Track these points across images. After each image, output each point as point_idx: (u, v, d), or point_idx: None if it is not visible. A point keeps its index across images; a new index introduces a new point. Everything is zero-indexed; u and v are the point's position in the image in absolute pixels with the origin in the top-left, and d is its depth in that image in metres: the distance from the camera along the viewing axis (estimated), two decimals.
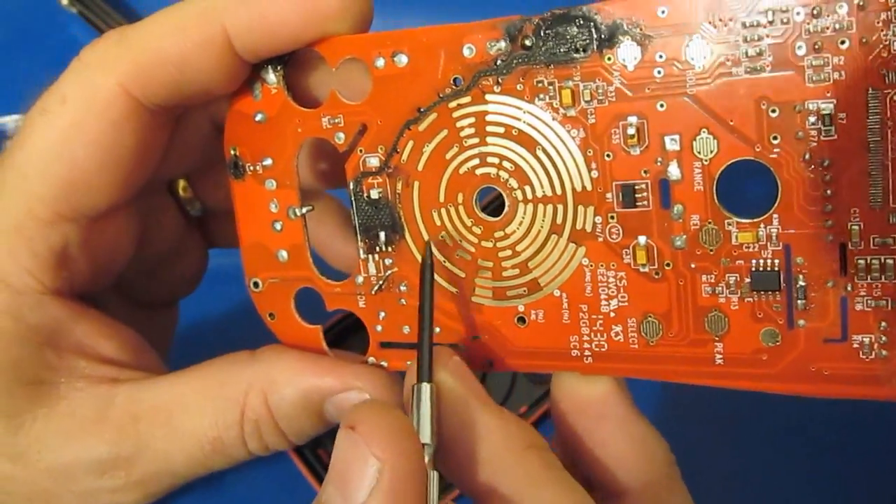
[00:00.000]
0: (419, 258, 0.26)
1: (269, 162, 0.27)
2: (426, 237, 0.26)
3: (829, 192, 0.21)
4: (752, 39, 0.21)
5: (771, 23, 0.21)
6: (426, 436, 0.23)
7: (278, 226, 0.28)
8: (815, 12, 0.21)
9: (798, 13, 0.21)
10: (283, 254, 0.28)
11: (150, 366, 0.29)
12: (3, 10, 0.48)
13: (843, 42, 0.20)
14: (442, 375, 0.24)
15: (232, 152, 0.28)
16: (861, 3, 0.20)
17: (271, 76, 0.27)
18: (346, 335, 0.37)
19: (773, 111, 0.21)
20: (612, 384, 0.25)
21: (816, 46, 0.21)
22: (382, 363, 0.28)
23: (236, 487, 0.37)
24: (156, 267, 0.32)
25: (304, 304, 0.29)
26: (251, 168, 0.28)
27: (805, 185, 0.21)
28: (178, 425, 0.27)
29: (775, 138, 0.21)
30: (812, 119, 0.21)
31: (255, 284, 0.29)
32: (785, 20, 0.21)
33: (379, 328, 0.27)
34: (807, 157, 0.21)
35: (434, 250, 0.26)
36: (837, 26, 0.20)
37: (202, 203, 0.33)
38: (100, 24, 0.46)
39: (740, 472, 0.37)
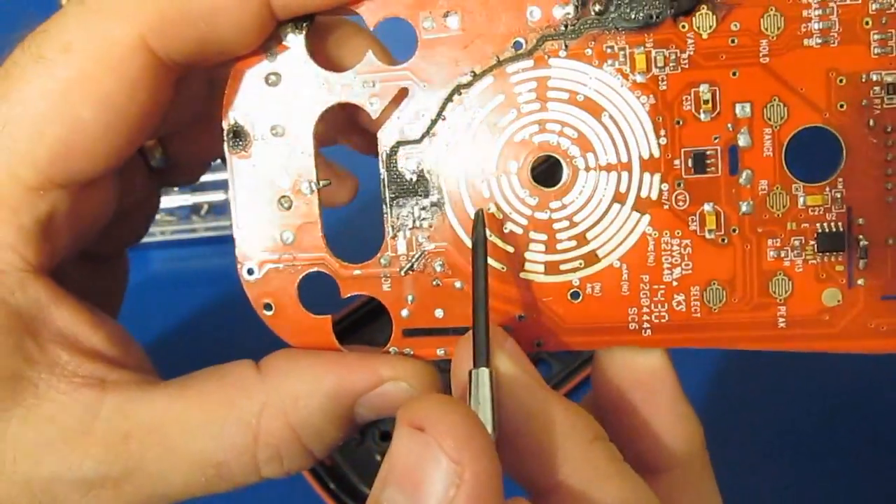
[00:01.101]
0: (461, 233, 0.25)
1: (280, 130, 0.25)
2: (474, 208, 0.25)
3: (890, 156, 0.23)
4: (823, 14, 0.23)
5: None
6: (487, 426, 0.21)
7: (286, 203, 0.25)
8: None
9: None
10: (289, 235, 0.25)
11: (138, 363, 0.25)
12: (3, 10, 0.42)
13: None
14: (500, 360, 0.23)
15: (232, 119, 0.25)
16: None
17: (292, 35, 0.24)
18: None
19: (841, 80, 0.23)
20: (665, 359, 0.25)
21: (882, 22, 0.23)
22: (406, 351, 0.26)
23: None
24: (115, 219, 0.28)
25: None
26: (257, 138, 0.25)
27: (869, 150, 0.23)
28: (176, 447, 0.24)
29: (842, 106, 0.23)
30: (876, 89, 0.23)
31: (250, 271, 0.26)
32: None
33: (405, 313, 0.25)
34: (871, 123, 0.23)
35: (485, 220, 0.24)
36: None
37: (165, 155, 0.29)
38: None
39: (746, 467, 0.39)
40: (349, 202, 0.31)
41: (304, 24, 0.25)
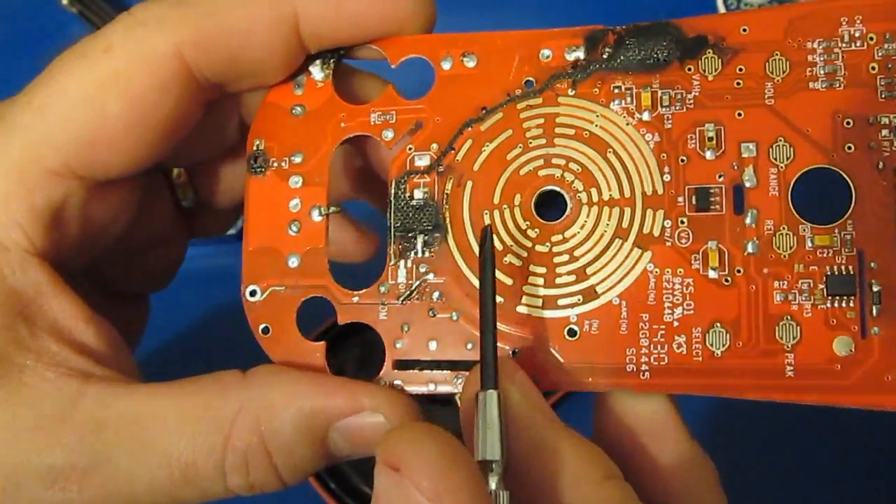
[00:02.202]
0: (462, 264, 0.25)
1: (298, 158, 0.26)
2: (476, 240, 0.25)
3: None
4: (828, 59, 0.23)
5: (847, 45, 0.23)
6: (496, 451, 0.21)
7: (295, 227, 0.26)
8: (886, 37, 0.23)
9: (871, 38, 0.23)
10: (294, 260, 0.26)
11: (125, 366, 0.26)
12: (3, 10, 0.49)
13: None
14: (510, 391, 0.23)
15: (256, 145, 0.27)
16: None
17: (320, 70, 0.26)
18: None
19: (848, 122, 0.23)
20: (667, 402, 0.24)
21: (889, 67, 0.23)
22: (396, 382, 0.25)
23: None
24: (135, 254, 0.30)
25: None
26: (275, 163, 0.26)
27: (878, 192, 0.23)
28: (147, 442, 0.24)
29: (849, 147, 0.23)
30: (885, 132, 0.23)
31: (253, 293, 0.26)
32: (859, 44, 0.23)
33: (399, 344, 0.25)
34: (880, 165, 0.23)
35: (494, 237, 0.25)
36: None
37: (196, 193, 0.31)
38: (100, 24, 0.46)
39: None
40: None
41: (332, 61, 0.27)
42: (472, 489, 0.19)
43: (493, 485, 0.21)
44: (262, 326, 0.26)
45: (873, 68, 0.23)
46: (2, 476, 0.23)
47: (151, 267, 0.31)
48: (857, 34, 0.24)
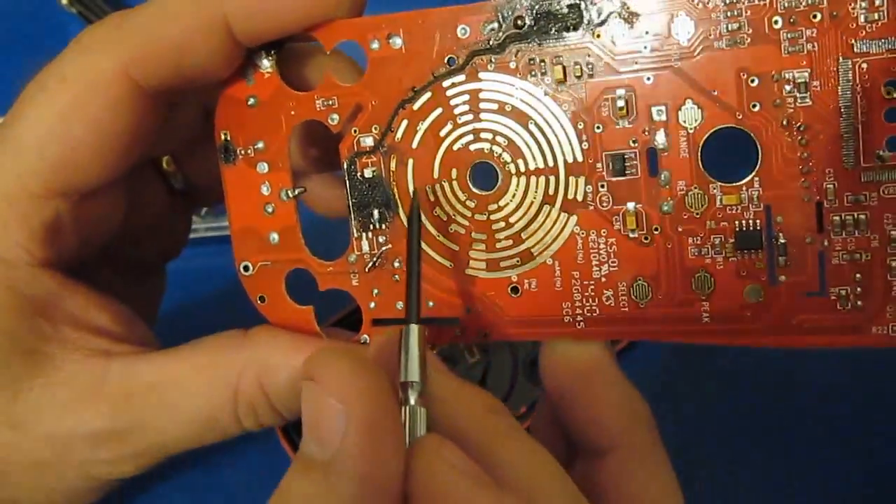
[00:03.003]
0: None
1: (260, 145, 0.28)
2: (423, 212, 0.27)
3: (805, 154, 0.23)
4: (732, 15, 0.23)
5: None
6: (415, 374, 0.24)
7: (270, 208, 0.29)
8: None
9: None
10: (275, 236, 0.29)
11: (141, 338, 0.30)
12: (3, 10, 0.49)
13: (815, 16, 0.23)
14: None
15: (223, 137, 0.29)
16: None
17: (265, 61, 0.28)
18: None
19: (753, 81, 0.23)
20: (601, 348, 0.27)
21: (791, 20, 0.23)
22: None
23: (225, 470, 0.37)
24: (141, 236, 0.33)
25: (293, 288, 0.29)
26: (242, 152, 0.29)
27: (783, 149, 0.24)
28: (171, 403, 0.28)
29: (755, 106, 0.24)
30: (788, 87, 0.23)
31: (246, 268, 0.29)
32: None
33: (372, 305, 0.28)
34: (784, 122, 0.23)
35: (417, 201, 0.27)
36: (810, 1, 0.22)
37: (185, 177, 0.34)
38: None
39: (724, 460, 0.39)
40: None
41: (273, 52, 0.28)
42: (374, 395, 0.22)
43: (412, 401, 0.24)
44: (259, 296, 0.30)
45: (776, 22, 0.23)
46: (57, 444, 0.28)
47: (159, 243, 0.35)
48: None
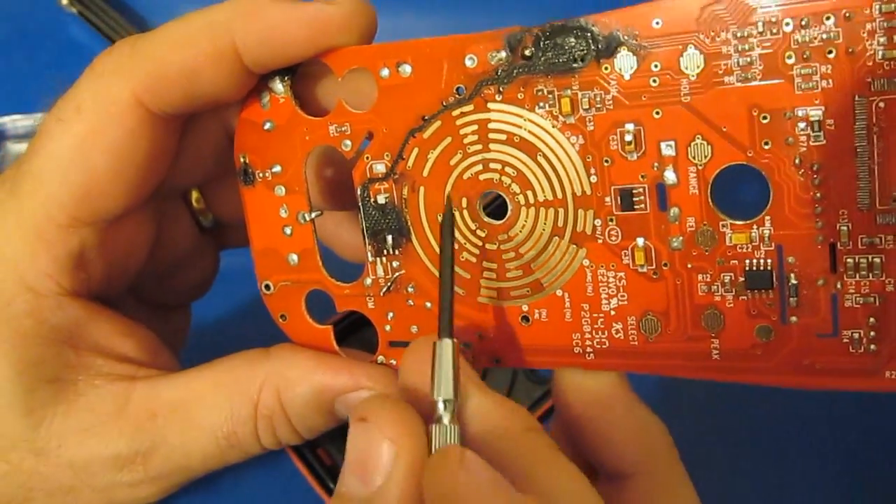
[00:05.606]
0: (426, 261, 0.28)
1: (278, 169, 0.29)
2: (435, 242, 0.27)
3: (818, 194, 0.22)
4: (743, 50, 0.22)
5: (761, 33, 0.22)
6: (449, 392, 0.24)
7: (288, 230, 0.29)
8: (803, 23, 0.22)
9: (787, 24, 0.22)
10: (294, 257, 0.29)
11: (166, 364, 0.31)
12: (3, 10, 0.49)
13: (830, 52, 0.21)
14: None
15: (242, 160, 0.29)
16: (847, 15, 0.21)
17: (279, 86, 0.28)
18: (346, 333, 0.38)
19: (765, 118, 0.22)
20: (616, 376, 0.26)
21: (805, 56, 0.22)
22: (392, 362, 0.29)
23: (236, 488, 0.38)
24: (169, 271, 0.34)
25: (313, 303, 0.30)
26: (261, 175, 0.29)
27: (796, 188, 0.23)
28: (193, 420, 0.29)
29: (766, 143, 0.23)
30: (802, 125, 0.22)
31: (267, 287, 0.30)
32: (775, 31, 0.22)
33: (388, 328, 0.29)
34: (797, 161, 0.22)
35: (453, 209, 0.27)
36: (825, 37, 0.21)
37: (214, 214, 0.34)
38: (100, 24, 0.47)
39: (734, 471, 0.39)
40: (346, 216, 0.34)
41: (287, 76, 0.28)
42: (423, 439, 0.23)
43: (446, 420, 0.24)
44: (280, 314, 0.30)
45: (789, 58, 0.22)
46: (79, 469, 0.29)
47: (187, 280, 0.35)
48: (772, 20, 0.22)
